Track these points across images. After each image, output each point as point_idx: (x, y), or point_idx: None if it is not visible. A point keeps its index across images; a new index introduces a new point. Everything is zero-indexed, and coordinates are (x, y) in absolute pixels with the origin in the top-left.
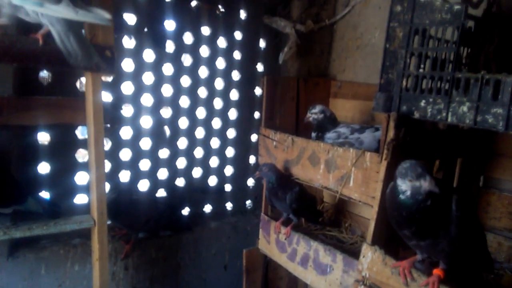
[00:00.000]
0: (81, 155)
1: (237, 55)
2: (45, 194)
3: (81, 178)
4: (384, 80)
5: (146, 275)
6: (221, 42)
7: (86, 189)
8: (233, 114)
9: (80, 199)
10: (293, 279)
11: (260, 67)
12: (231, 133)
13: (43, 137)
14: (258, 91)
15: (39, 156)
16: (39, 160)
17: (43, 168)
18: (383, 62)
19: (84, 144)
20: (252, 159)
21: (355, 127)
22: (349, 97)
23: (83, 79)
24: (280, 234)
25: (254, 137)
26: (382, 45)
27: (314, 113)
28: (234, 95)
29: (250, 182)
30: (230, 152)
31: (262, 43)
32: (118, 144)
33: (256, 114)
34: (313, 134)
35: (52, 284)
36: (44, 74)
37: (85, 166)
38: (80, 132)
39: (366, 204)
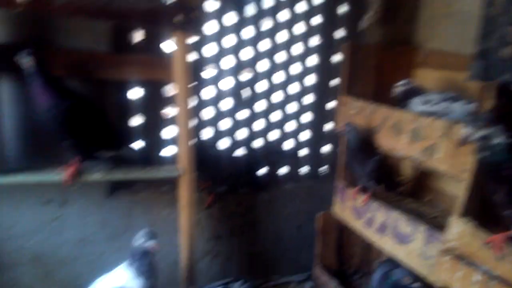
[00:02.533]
0: (169, 111)
1: (317, 19)
2: (138, 144)
3: (169, 131)
4: (480, 48)
5: (226, 225)
6: (302, 6)
7: (174, 142)
8: (311, 80)
9: (168, 151)
10: (367, 245)
11: (341, 33)
12: (308, 99)
13: (135, 93)
14: (338, 57)
15: (132, 110)
16: (132, 113)
17: (136, 121)
18: (481, 29)
19: (172, 100)
20: (328, 127)
21: (447, 95)
22: (436, 67)
23: (171, 40)
24: (357, 201)
25: (331, 104)
26: (476, 12)
27: (400, 85)
28: (313, 60)
29: (326, 148)
30: (306, 117)
31: (344, 7)
32: (201, 103)
33: (335, 81)
34: (397, 102)
35: (144, 225)
36: (136, 33)
37: (173, 121)
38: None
39: (453, 177)
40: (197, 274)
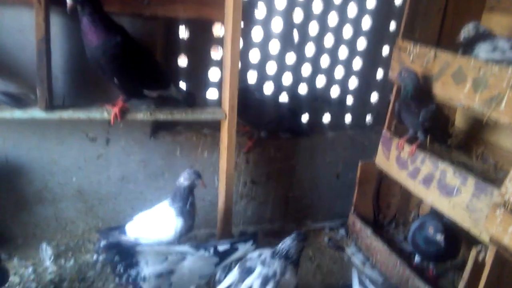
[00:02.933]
0: (216, 52)
1: None
2: (183, 85)
3: (214, 73)
4: None
5: (264, 170)
6: None
7: (218, 84)
8: (366, 22)
9: (212, 93)
10: (406, 197)
11: None
12: (361, 43)
13: (183, 32)
14: None
15: (179, 49)
16: (179, 52)
17: (182, 60)
18: None
19: (219, 41)
20: (379, 73)
21: None
22: (511, 11)
23: None
24: (403, 151)
25: (385, 50)
26: None
27: (466, 30)
28: (370, 1)
29: (374, 97)
30: (357, 63)
31: None
32: (248, 44)
33: (392, 25)
34: (460, 50)
35: (185, 165)
36: None
37: (218, 63)
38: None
39: None
40: (232, 216)
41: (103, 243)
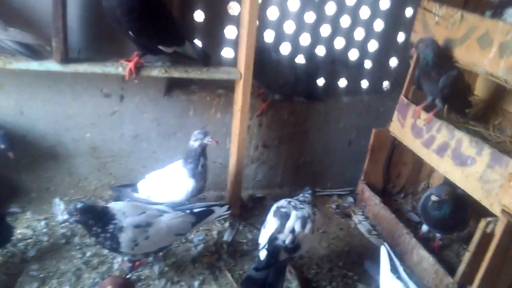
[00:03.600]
0: (232, 8)
1: None
2: (198, 43)
3: (230, 32)
4: None
5: (276, 134)
6: None
7: (233, 43)
8: None
9: (227, 53)
10: (417, 167)
11: None
12: (384, 2)
13: None
14: None
15: (195, 4)
16: (195, 7)
17: (198, 16)
18: None
19: None
20: (401, 37)
21: None
22: None
23: None
24: (419, 119)
25: (409, 11)
26: None
27: None
28: None
29: (393, 62)
30: (378, 25)
31: None
32: (267, 1)
33: None
34: (488, 12)
35: (198, 125)
36: None
37: (235, 21)
38: None
39: None
40: (243, 179)
41: (79, 205)
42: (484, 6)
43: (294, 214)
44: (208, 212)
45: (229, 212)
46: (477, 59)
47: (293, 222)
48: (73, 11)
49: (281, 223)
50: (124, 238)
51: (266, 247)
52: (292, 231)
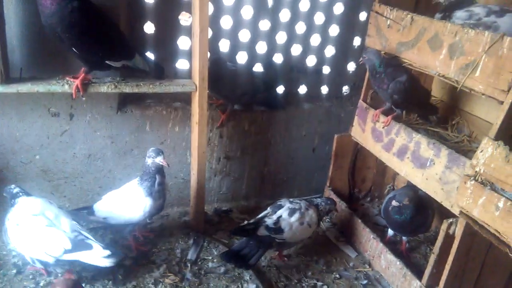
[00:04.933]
0: (184, 18)
1: None
2: (150, 56)
3: (183, 42)
4: None
5: (238, 145)
6: None
7: (188, 54)
8: None
9: (182, 64)
10: (381, 170)
11: None
12: (338, 8)
13: None
14: None
15: (144, 15)
16: (144, 19)
17: (148, 27)
18: None
19: (188, 6)
20: (357, 41)
21: (493, 8)
22: None
23: None
24: (378, 123)
25: (363, 16)
26: None
27: None
28: None
29: (351, 66)
30: (334, 30)
31: None
32: (219, 10)
33: None
34: (438, 15)
35: (155, 141)
36: None
37: (187, 31)
38: None
39: (491, 97)
40: (206, 193)
41: None
42: (434, 9)
43: (286, 205)
44: (84, 245)
45: (109, 259)
46: (429, 61)
47: (283, 211)
48: (13, 28)
49: (273, 210)
50: None
51: (252, 220)
52: (279, 216)
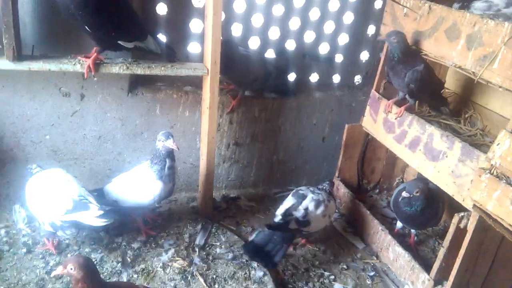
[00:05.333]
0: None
1: None
2: (162, 38)
3: (195, 25)
4: None
5: (248, 131)
6: None
7: (200, 37)
8: None
9: (194, 47)
10: (391, 162)
11: None
12: None
13: None
14: None
15: None
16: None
17: (161, 8)
18: None
19: None
20: (371, 30)
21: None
22: None
23: None
24: (391, 113)
25: (378, 4)
26: None
27: None
28: None
29: (364, 55)
30: (348, 17)
31: None
32: None
33: None
34: (456, 5)
35: (165, 124)
36: None
37: (200, 13)
38: None
39: (508, 90)
40: (214, 179)
41: None
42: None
43: (310, 196)
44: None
45: (101, 219)
46: (446, 51)
47: (308, 202)
48: (25, 5)
49: (298, 201)
50: None
51: (281, 213)
52: (306, 209)
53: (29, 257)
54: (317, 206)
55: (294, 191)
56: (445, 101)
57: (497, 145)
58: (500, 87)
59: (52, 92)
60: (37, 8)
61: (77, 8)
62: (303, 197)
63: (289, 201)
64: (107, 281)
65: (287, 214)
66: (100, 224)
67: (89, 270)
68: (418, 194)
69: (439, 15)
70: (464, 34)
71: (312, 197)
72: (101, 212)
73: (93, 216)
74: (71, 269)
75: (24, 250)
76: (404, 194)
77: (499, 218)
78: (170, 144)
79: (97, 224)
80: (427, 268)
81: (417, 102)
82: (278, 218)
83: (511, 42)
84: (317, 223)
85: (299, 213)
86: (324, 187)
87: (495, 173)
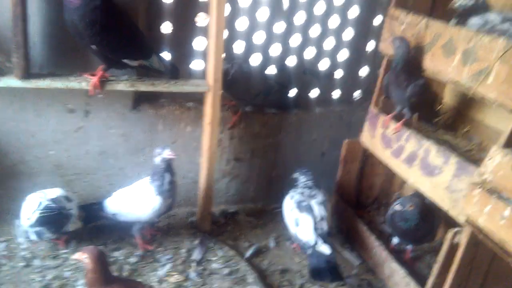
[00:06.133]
0: (201, 19)
1: None
2: (166, 56)
3: (198, 43)
4: None
5: (248, 147)
6: None
7: (202, 54)
8: None
9: (196, 65)
10: (389, 177)
11: None
12: (353, 11)
13: None
14: None
15: (162, 15)
16: (162, 19)
17: (166, 27)
18: None
19: (205, 7)
20: (370, 45)
21: (508, 15)
22: None
23: None
24: (388, 128)
25: (378, 19)
26: None
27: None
28: None
29: (364, 71)
30: (348, 34)
31: None
32: (235, 11)
33: None
34: (453, 21)
35: (167, 140)
36: None
37: (203, 31)
38: None
39: (502, 106)
40: (214, 194)
41: None
42: (450, 14)
43: (314, 203)
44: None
45: None
46: (442, 67)
47: (318, 210)
48: (35, 25)
49: (312, 215)
50: None
51: (321, 241)
52: (322, 218)
53: (26, 270)
54: (325, 207)
55: (296, 206)
56: (437, 115)
57: (489, 159)
58: (494, 102)
59: (58, 109)
60: (46, 28)
61: (85, 28)
62: (311, 208)
63: (307, 221)
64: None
65: (319, 234)
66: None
67: (100, 262)
68: (411, 208)
69: (436, 31)
70: (460, 50)
71: (316, 202)
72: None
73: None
74: (85, 257)
75: (23, 264)
76: (397, 207)
77: (490, 232)
78: (168, 153)
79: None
80: (422, 284)
81: (415, 116)
82: (325, 248)
83: (505, 57)
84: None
85: (323, 226)
86: (309, 182)
87: (486, 188)
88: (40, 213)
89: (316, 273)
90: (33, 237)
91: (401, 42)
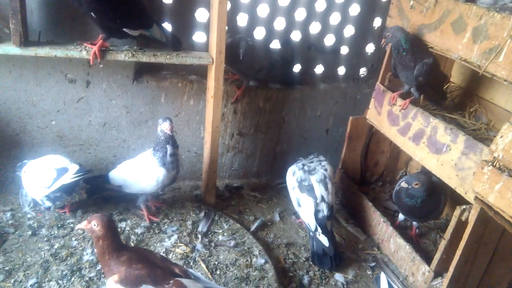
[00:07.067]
0: None
1: None
2: (168, 27)
3: (201, 15)
4: None
5: (251, 122)
6: None
7: (205, 27)
8: None
9: (199, 37)
10: (394, 155)
11: None
12: None
13: None
14: None
15: None
16: None
17: None
18: None
19: None
20: (377, 22)
21: None
22: None
23: None
24: (395, 106)
25: None
26: None
27: None
28: None
29: (370, 48)
30: (354, 9)
31: None
32: None
33: None
34: None
35: (170, 113)
36: None
37: (205, 2)
38: None
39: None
40: (218, 168)
41: None
42: None
43: (314, 180)
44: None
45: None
46: (451, 44)
47: (319, 190)
48: None
49: (313, 196)
50: None
51: (320, 231)
52: (322, 199)
53: (34, 239)
54: (325, 186)
55: (298, 185)
56: (445, 95)
57: (501, 137)
58: (505, 80)
59: (58, 79)
60: None
61: None
62: (312, 189)
63: (308, 203)
64: None
65: (318, 218)
66: (77, 178)
67: (110, 228)
68: (417, 186)
69: (445, 8)
70: (470, 27)
71: (316, 180)
72: (77, 167)
73: (72, 174)
74: (94, 225)
75: (30, 232)
76: (403, 184)
77: (500, 210)
78: (165, 127)
79: (75, 179)
80: (427, 260)
81: (422, 94)
82: (323, 239)
83: None
84: (333, 197)
85: (324, 209)
86: (312, 159)
87: (497, 166)
88: (72, 178)
89: (315, 258)
90: (48, 203)
91: (392, 32)
